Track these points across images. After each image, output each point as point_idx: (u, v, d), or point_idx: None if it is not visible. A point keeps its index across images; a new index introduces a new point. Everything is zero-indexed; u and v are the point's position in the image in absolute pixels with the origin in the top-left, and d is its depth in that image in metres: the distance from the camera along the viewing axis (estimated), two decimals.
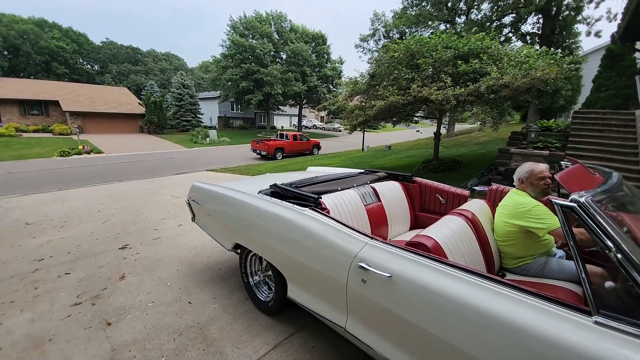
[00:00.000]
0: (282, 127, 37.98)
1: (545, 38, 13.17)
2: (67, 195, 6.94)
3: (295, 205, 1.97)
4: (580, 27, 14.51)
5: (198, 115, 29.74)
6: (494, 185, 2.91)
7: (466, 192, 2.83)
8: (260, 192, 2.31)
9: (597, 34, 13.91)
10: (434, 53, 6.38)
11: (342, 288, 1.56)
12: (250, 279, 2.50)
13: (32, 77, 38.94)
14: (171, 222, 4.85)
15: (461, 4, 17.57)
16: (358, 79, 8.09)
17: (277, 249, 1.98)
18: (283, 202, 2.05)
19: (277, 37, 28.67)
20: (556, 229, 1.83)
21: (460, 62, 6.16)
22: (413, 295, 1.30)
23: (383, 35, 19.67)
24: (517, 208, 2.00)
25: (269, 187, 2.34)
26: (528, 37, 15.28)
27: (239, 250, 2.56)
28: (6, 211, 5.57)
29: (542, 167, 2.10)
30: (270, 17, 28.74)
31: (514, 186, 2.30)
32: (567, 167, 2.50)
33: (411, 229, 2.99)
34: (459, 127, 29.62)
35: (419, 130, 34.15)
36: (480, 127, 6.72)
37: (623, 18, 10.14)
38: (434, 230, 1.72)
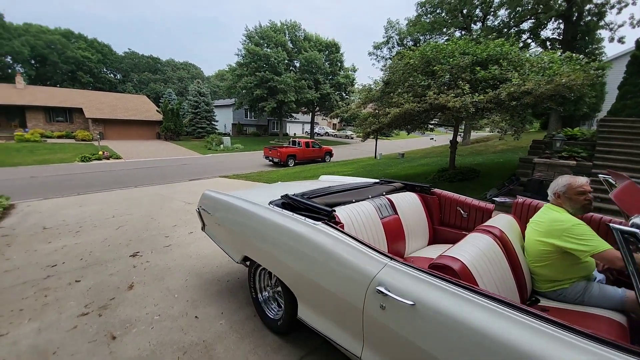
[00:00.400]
0: (295, 134, 38.23)
1: (567, 44, 12.72)
2: (85, 200, 7.08)
3: (307, 219, 1.85)
4: (603, 33, 13.95)
5: (213, 122, 30.36)
6: (520, 198, 2.70)
7: (490, 206, 2.64)
8: (271, 202, 2.21)
9: (621, 40, 13.35)
10: (451, 59, 6.21)
11: (357, 313, 1.42)
12: (259, 295, 2.38)
13: (58, 85, 40.93)
14: (182, 229, 4.82)
15: (477, 11, 17.32)
16: (372, 86, 7.99)
17: (287, 265, 1.86)
18: (294, 214, 1.94)
19: (291, 45, 29.10)
20: (602, 252, 1.62)
21: (478, 68, 5.96)
22: (440, 327, 1.15)
23: (397, 42, 19.60)
24: (554, 225, 1.81)
25: (280, 197, 2.24)
26: (548, 43, 14.84)
27: (248, 263, 2.45)
28: (26, 215, 5.70)
29: (582, 181, 1.90)
30: (285, 26, 29.25)
31: (547, 200, 2.11)
32: (606, 180, 2.29)
33: (429, 244, 2.81)
34: (474, 135, 28.94)
35: (432, 138, 33.63)
36: (500, 136, 6.44)
37: None
38: (460, 250, 1.56)
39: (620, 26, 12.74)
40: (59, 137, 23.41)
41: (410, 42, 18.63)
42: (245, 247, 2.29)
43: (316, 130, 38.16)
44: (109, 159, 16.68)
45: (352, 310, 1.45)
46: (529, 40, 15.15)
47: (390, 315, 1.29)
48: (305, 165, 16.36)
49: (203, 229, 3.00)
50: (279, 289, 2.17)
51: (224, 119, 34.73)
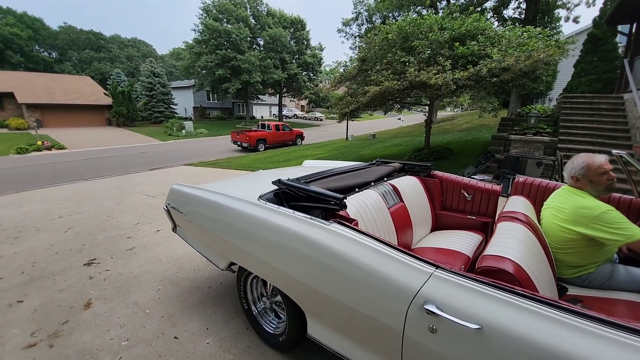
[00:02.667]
0: (262, 117, 36.78)
1: (528, 23, 13.09)
2: (25, 198, 6.09)
3: (313, 218, 1.50)
4: (561, 13, 14.63)
5: (171, 105, 28.02)
6: (521, 177, 2.58)
7: (497, 188, 2.48)
8: (261, 197, 1.82)
9: (576, 20, 14.10)
10: (430, 34, 5.97)
11: (395, 335, 1.14)
12: (253, 307, 2.01)
13: None
14: (147, 227, 4.24)
15: None
16: (347, 63, 7.58)
17: (290, 276, 1.51)
18: (295, 212, 1.58)
19: (253, 21, 27.21)
20: (638, 240, 1.48)
21: (457, 44, 5.80)
22: (520, 356, 0.89)
23: (366, 19, 19.04)
24: (580, 212, 1.63)
25: (272, 186, 1.86)
26: (510, 22, 15.23)
27: (234, 267, 2.07)
28: None
29: (601, 160, 1.71)
30: (246, 0, 27.18)
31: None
32: (620, 156, 2.18)
33: (432, 230, 2.62)
34: (438, 114, 29.76)
35: (400, 118, 34.14)
36: (480, 114, 6.45)
37: (605, 2, 10.21)
38: (502, 246, 1.32)
39: (576, 5, 13.39)
40: None
41: (379, 20, 18.20)
42: (232, 253, 1.89)
43: (284, 112, 36.97)
44: (50, 150, 14.71)
45: (387, 331, 1.16)
46: (493, 19, 15.44)
47: (445, 341, 1.01)
48: (277, 149, 15.72)
49: (174, 230, 2.53)
50: (278, 298, 1.83)
51: (183, 102, 32.22)
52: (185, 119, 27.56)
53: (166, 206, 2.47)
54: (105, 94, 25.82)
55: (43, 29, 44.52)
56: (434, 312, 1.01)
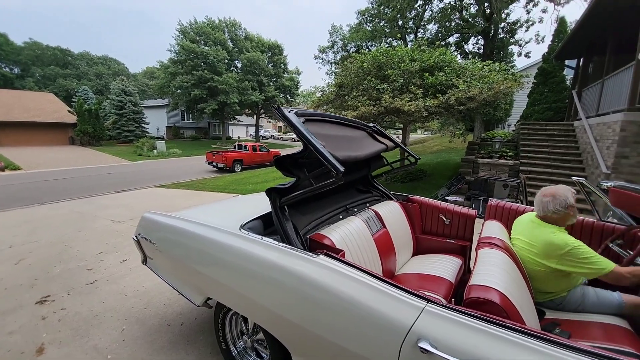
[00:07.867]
0: (239, 137, 36.54)
1: (486, 57, 14.44)
2: None
3: (298, 250, 1.45)
4: (514, 49, 16.30)
5: (143, 124, 27.08)
6: (493, 201, 2.70)
7: (472, 212, 2.57)
8: (242, 226, 1.74)
9: (527, 55, 15.75)
10: (402, 65, 6.36)
11: None
12: (232, 347, 1.86)
13: None
14: (111, 257, 3.90)
15: (410, 23, 18.69)
16: (325, 88, 7.81)
17: (276, 313, 1.42)
18: (280, 245, 1.52)
19: (231, 45, 27.63)
20: (609, 272, 1.56)
21: (427, 74, 6.21)
22: None
23: (341, 47, 20.02)
24: (550, 249, 1.69)
25: (253, 213, 1.80)
26: (470, 56, 16.69)
27: (211, 302, 1.92)
28: None
29: (571, 197, 1.74)
30: (224, 24, 27.68)
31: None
32: (580, 182, 2.36)
33: (413, 254, 2.64)
34: (410, 137, 31.22)
35: None
36: (450, 139, 6.81)
37: (553, 40, 11.51)
38: (486, 274, 1.34)
39: (527, 42, 15.07)
40: None
41: (353, 49, 19.20)
42: (210, 288, 1.77)
43: (261, 133, 36.98)
44: (4, 171, 13.48)
45: None
46: (456, 53, 16.85)
47: None
48: (254, 170, 15.53)
49: (144, 262, 2.35)
50: (260, 336, 1.72)
51: (156, 121, 31.30)
52: (158, 138, 26.68)
53: (136, 236, 2.30)
54: (69, 111, 24.52)
55: (7, 44, 42.21)
56: (428, 350, 0.98)
